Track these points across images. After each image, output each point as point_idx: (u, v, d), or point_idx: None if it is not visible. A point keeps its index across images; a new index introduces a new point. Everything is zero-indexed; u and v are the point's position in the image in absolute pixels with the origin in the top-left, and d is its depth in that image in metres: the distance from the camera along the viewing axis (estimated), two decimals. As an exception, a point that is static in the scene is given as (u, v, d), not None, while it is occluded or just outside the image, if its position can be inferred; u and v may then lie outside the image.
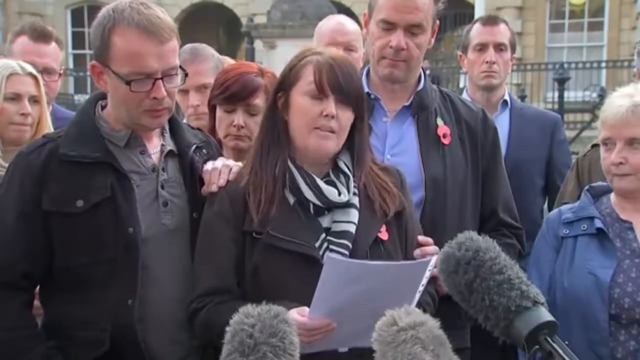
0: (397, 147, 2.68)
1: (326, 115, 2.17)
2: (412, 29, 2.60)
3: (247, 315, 1.39)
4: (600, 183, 2.73)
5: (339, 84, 2.17)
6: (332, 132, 2.19)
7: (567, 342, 1.58)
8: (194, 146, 2.39)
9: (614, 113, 2.50)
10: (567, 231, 2.60)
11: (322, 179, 2.22)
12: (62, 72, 3.65)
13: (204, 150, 2.44)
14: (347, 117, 2.21)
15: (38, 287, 2.30)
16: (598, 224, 2.54)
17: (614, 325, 2.43)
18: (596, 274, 2.47)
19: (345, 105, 2.20)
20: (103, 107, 2.33)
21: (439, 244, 2.01)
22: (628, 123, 2.47)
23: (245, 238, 2.19)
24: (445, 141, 2.68)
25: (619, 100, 2.51)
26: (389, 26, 2.61)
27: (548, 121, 3.81)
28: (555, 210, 2.76)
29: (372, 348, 1.38)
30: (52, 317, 2.30)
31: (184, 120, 3.04)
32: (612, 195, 2.63)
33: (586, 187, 2.73)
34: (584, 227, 2.57)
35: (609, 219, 2.58)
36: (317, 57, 2.20)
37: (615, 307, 2.43)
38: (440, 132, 2.68)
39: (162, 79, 2.17)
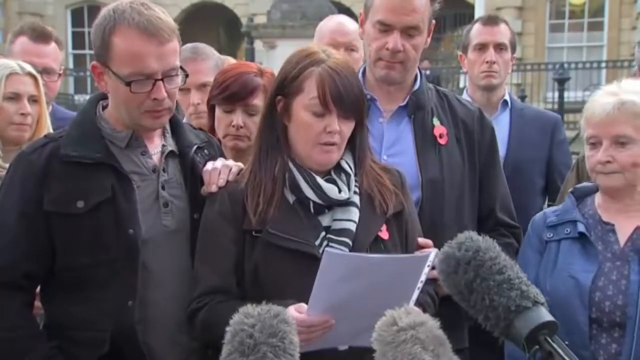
0: (394, 147, 2.67)
1: (329, 132, 2.17)
2: (409, 31, 2.59)
3: (247, 315, 1.39)
4: (584, 184, 2.70)
5: (341, 98, 2.16)
6: (335, 144, 2.19)
7: (566, 343, 1.58)
8: (195, 146, 2.39)
9: (599, 111, 2.45)
10: (551, 235, 2.57)
11: (322, 178, 2.22)
12: (61, 72, 3.66)
13: (206, 151, 2.43)
14: (349, 127, 2.22)
15: (39, 288, 2.30)
16: (580, 227, 2.51)
17: (595, 328, 2.41)
18: (577, 277, 2.44)
19: (347, 118, 2.20)
20: (104, 107, 2.32)
21: (437, 244, 2.00)
22: (614, 121, 2.43)
23: (245, 237, 2.19)
24: (442, 141, 2.67)
25: (604, 98, 2.47)
26: (386, 28, 2.59)
27: (548, 121, 3.80)
28: (540, 213, 2.73)
29: (372, 347, 1.37)
30: (52, 318, 2.30)
31: (185, 119, 3.04)
32: (597, 196, 2.60)
33: (570, 189, 2.70)
34: (567, 230, 2.54)
35: (592, 221, 2.55)
36: (319, 69, 2.18)
37: (596, 311, 2.40)
38: (436, 132, 2.67)
39: (162, 79, 2.17)
